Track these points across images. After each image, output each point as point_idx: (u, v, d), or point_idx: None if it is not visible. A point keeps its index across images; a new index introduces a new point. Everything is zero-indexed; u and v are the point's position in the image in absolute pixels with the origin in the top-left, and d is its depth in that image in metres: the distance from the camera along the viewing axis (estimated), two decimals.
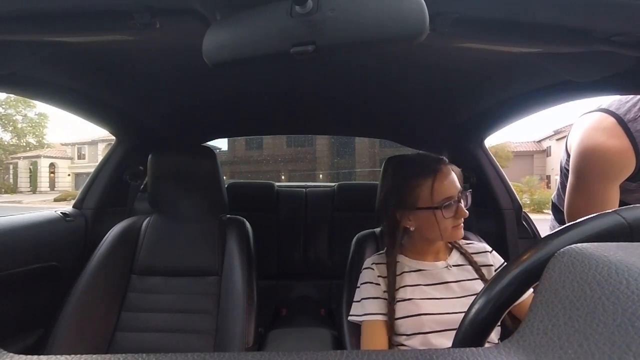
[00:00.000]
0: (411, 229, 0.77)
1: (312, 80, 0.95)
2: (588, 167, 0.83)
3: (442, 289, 0.76)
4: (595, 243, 0.24)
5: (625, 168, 0.80)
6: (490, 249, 0.85)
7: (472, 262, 0.80)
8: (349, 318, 0.79)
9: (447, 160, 0.79)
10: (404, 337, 0.73)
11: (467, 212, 0.73)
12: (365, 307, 0.77)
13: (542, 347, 0.20)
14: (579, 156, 0.84)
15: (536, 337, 0.21)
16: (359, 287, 0.81)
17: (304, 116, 1.37)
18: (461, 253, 0.82)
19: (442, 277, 0.77)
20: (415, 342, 0.72)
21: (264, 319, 1.21)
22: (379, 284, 0.79)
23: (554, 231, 0.32)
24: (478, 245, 0.86)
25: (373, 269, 0.81)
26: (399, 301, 0.75)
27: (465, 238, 0.88)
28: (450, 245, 0.84)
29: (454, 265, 0.79)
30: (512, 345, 0.22)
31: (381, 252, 0.86)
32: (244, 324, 0.89)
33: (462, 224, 0.74)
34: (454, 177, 0.76)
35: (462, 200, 0.74)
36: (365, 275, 0.81)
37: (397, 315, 0.74)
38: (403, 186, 0.76)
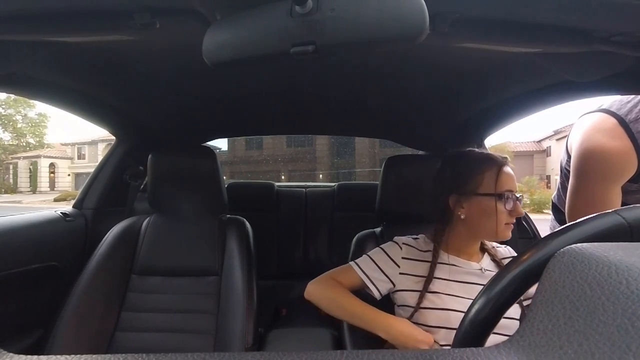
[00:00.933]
0: (462, 216, 0.75)
1: (312, 80, 0.95)
2: (589, 168, 0.82)
3: (469, 289, 0.74)
4: (595, 243, 0.24)
5: (627, 170, 0.80)
6: (515, 253, 0.84)
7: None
8: (351, 262, 0.81)
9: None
10: (426, 327, 0.71)
11: (523, 211, 0.73)
12: (366, 265, 0.78)
13: (542, 347, 0.20)
14: (580, 157, 0.84)
15: (536, 337, 0.21)
16: (379, 248, 0.81)
17: (304, 116, 1.37)
18: (492, 259, 0.81)
19: (472, 278, 0.76)
20: (438, 337, 0.70)
21: (264, 319, 1.21)
22: (398, 265, 0.78)
23: (554, 231, 0.32)
24: (504, 250, 0.84)
25: (401, 248, 0.80)
26: (428, 292, 0.74)
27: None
28: (481, 248, 0.82)
29: (486, 270, 0.78)
30: (512, 345, 0.22)
31: (416, 237, 0.84)
32: (244, 324, 0.89)
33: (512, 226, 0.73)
34: (514, 176, 0.76)
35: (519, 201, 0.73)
36: (389, 248, 0.81)
37: (423, 305, 0.73)
38: (466, 171, 0.76)
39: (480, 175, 0.73)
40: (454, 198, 0.76)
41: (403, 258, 0.78)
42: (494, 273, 0.76)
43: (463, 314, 0.69)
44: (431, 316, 0.72)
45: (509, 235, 0.73)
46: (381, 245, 0.82)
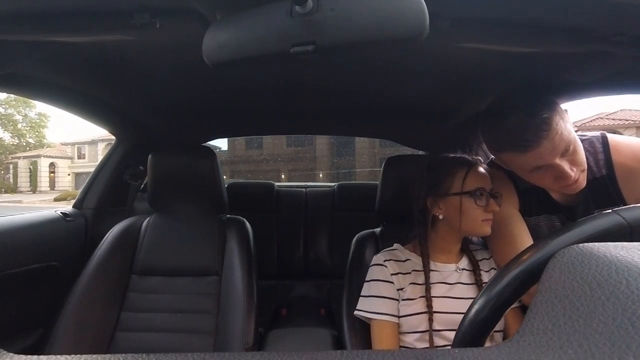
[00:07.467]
0: (440, 217, 0.79)
1: (312, 80, 0.95)
2: None
3: (448, 289, 0.77)
4: (595, 243, 0.24)
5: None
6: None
7: (480, 267, 0.81)
8: (355, 312, 0.79)
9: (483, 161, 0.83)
10: (414, 334, 0.74)
11: (498, 207, 0.75)
12: (375, 306, 0.77)
13: (542, 347, 0.20)
14: None
15: (536, 337, 0.21)
16: (368, 282, 0.81)
17: (304, 116, 1.37)
18: (470, 259, 0.83)
19: (451, 279, 0.78)
20: (424, 343, 0.72)
21: (264, 319, 1.21)
22: (392, 282, 0.78)
23: (554, 231, 0.32)
24: (484, 251, 0.86)
25: (386, 267, 0.81)
26: (405, 299, 0.76)
27: (470, 242, 0.89)
28: (462, 249, 0.85)
29: (463, 269, 0.80)
30: (512, 345, 0.22)
31: (392, 248, 0.86)
32: (244, 324, 0.89)
33: (491, 221, 0.75)
34: (488, 175, 0.78)
35: (494, 198, 0.76)
36: (376, 272, 0.81)
37: (405, 312, 0.75)
38: (438, 174, 0.80)
39: (452, 176, 0.78)
40: (431, 200, 0.80)
41: (392, 274, 0.79)
42: (472, 271, 0.80)
43: (443, 315, 0.72)
44: (415, 322, 0.74)
45: (488, 231, 0.76)
46: (368, 276, 0.82)
